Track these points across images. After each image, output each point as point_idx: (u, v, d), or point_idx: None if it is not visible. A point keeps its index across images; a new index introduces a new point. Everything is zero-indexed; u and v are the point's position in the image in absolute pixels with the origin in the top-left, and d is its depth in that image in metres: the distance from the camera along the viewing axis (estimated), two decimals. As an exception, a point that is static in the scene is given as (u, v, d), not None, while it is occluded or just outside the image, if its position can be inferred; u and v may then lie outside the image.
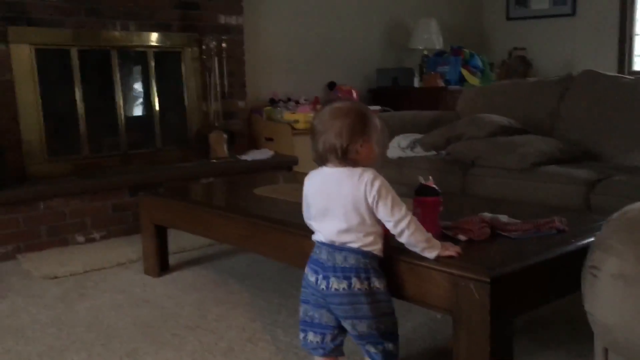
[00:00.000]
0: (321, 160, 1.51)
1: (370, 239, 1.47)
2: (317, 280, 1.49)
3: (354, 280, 1.44)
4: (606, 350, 0.99)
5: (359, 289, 1.45)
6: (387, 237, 1.51)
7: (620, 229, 0.90)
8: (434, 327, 2.03)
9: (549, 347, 1.85)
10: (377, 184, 1.43)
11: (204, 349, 1.92)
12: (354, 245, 1.46)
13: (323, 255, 1.49)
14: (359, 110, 1.49)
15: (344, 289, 1.45)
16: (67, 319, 2.20)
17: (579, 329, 1.95)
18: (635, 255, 0.84)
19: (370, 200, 1.43)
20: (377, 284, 1.47)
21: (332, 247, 1.48)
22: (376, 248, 1.48)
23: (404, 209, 1.44)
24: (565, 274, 1.53)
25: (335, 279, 1.45)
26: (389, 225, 1.46)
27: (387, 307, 1.50)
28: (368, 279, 1.46)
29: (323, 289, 1.47)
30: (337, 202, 1.46)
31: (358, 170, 1.46)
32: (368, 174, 1.45)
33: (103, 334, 2.07)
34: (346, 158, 1.45)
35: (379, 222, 1.48)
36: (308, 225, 1.63)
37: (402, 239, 1.46)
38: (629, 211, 0.92)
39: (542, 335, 1.95)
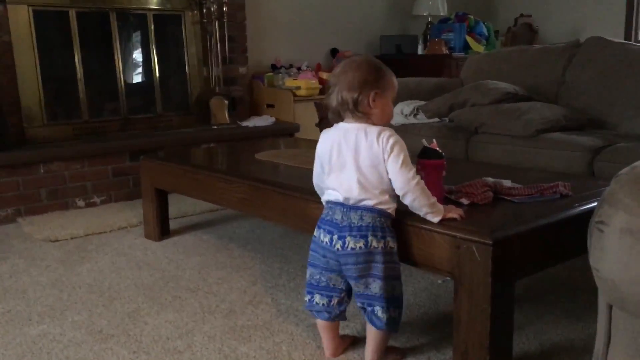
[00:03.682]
0: (336, 116, 1.49)
1: (386, 197, 1.45)
2: (331, 240, 1.46)
3: (370, 238, 1.43)
4: (610, 307, 0.99)
5: (375, 247, 1.43)
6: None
7: (629, 183, 0.88)
8: (435, 291, 2.04)
9: (548, 312, 1.86)
10: (392, 140, 1.42)
11: (204, 311, 1.92)
12: (370, 202, 1.44)
13: (337, 215, 1.47)
14: (372, 63, 1.47)
15: (360, 247, 1.43)
16: (68, 281, 2.21)
17: (578, 294, 1.95)
18: (645, 210, 0.82)
19: (385, 155, 1.42)
20: (391, 244, 1.46)
21: (346, 206, 1.46)
22: (391, 207, 1.46)
23: (413, 171, 1.43)
24: (568, 238, 1.52)
25: (352, 238, 1.44)
26: (395, 185, 1.43)
27: (397, 270, 1.49)
28: (384, 237, 1.44)
29: (338, 248, 1.45)
30: (354, 158, 1.44)
31: (376, 128, 1.44)
32: (386, 132, 1.43)
33: (104, 295, 2.07)
34: (358, 110, 1.43)
35: None
36: (317, 189, 1.60)
37: (406, 201, 1.45)
38: (639, 166, 0.90)
39: (541, 300, 1.95)
